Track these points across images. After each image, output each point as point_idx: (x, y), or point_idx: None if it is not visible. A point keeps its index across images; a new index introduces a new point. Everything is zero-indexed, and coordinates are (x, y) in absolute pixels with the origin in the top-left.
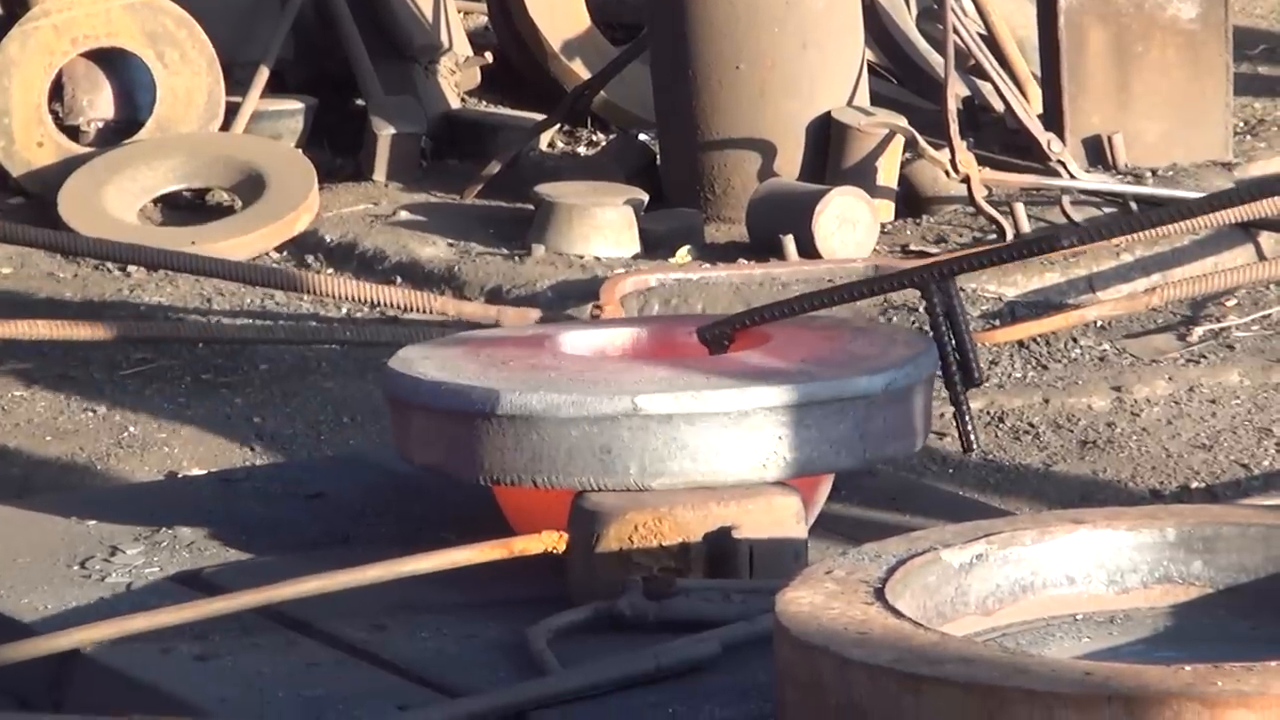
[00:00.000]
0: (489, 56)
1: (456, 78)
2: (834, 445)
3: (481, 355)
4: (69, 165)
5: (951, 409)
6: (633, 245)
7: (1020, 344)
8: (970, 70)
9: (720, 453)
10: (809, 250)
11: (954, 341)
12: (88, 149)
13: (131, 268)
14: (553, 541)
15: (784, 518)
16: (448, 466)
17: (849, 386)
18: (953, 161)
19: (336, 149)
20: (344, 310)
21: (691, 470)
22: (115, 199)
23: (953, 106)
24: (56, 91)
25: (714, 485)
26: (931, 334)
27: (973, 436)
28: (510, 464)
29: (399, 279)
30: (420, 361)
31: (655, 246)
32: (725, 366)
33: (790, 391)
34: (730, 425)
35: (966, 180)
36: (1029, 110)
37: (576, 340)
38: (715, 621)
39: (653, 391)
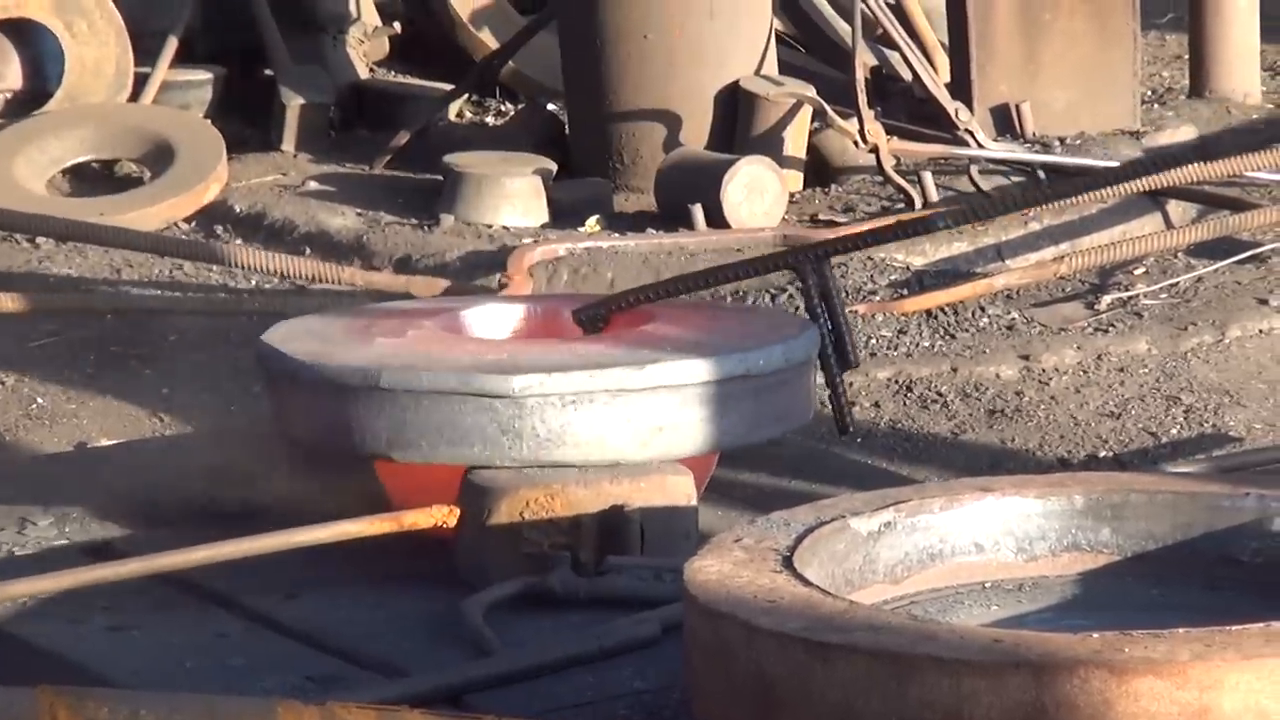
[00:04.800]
0: (397, 26)
1: (365, 48)
2: (714, 424)
3: (364, 332)
4: None
5: (855, 384)
6: (541, 215)
7: (928, 313)
8: (878, 39)
9: (596, 434)
10: (717, 220)
11: (830, 324)
12: None
13: (40, 239)
14: (443, 516)
15: (675, 496)
16: (328, 443)
17: (730, 365)
18: (861, 131)
19: (245, 119)
20: (253, 281)
21: (574, 452)
22: (24, 170)
23: (861, 76)
24: None
25: (595, 464)
26: (808, 316)
27: (849, 418)
28: (392, 440)
29: (308, 249)
30: (299, 338)
31: (564, 216)
32: (606, 347)
33: (669, 371)
34: (609, 406)
35: (875, 150)
36: (937, 79)
37: (464, 317)
38: (646, 599)
39: (535, 371)
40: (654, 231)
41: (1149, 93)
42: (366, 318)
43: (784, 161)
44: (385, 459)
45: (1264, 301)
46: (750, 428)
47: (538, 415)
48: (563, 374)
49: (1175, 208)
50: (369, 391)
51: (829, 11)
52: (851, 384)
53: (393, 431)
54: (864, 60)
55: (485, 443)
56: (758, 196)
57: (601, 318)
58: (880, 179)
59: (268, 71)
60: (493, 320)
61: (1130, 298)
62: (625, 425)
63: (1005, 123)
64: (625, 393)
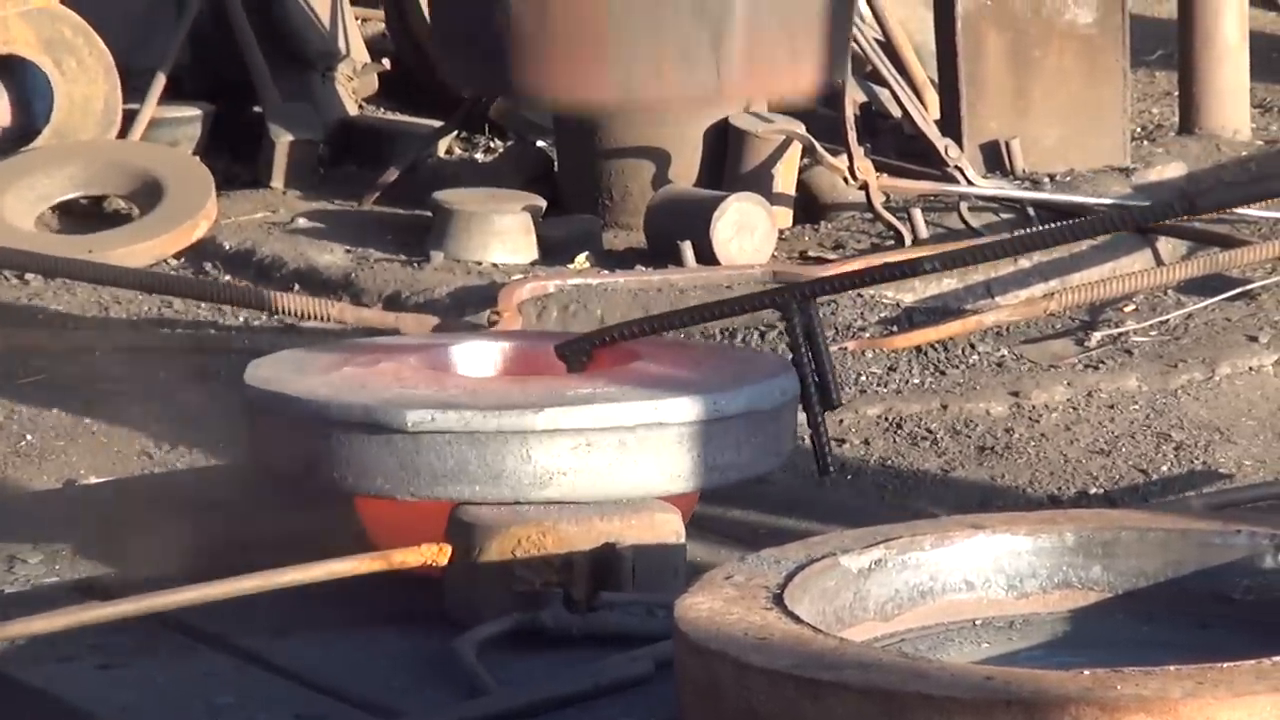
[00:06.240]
0: (386, 63)
1: (354, 84)
2: (625, 470)
3: (340, 364)
4: None
5: (845, 421)
6: (531, 252)
7: (918, 349)
8: (868, 76)
9: (491, 472)
10: (707, 256)
11: (813, 364)
12: None
13: (29, 276)
14: (433, 554)
15: (665, 533)
16: (270, 468)
17: (638, 413)
18: (851, 168)
19: (234, 156)
20: (242, 318)
21: (468, 490)
22: (12, 207)
23: (850, 113)
24: None
25: (493, 503)
26: (791, 356)
27: (829, 459)
28: (310, 469)
29: (297, 286)
30: (277, 366)
31: (553, 253)
32: (591, 385)
33: (566, 416)
34: (504, 445)
35: (865, 186)
36: (926, 116)
37: (447, 353)
38: (638, 635)
39: (428, 407)
40: (643, 268)
41: (1139, 129)
42: (352, 351)
43: (773, 198)
44: (308, 488)
45: (1254, 338)
46: (674, 476)
47: (433, 451)
48: (455, 411)
49: (1165, 244)
50: (291, 421)
51: None
52: (841, 421)
53: (310, 461)
54: (853, 97)
55: (386, 476)
56: (747, 233)
57: (584, 352)
58: (870, 216)
59: (256, 108)
60: (478, 357)
61: (1120, 334)
62: (522, 464)
63: (995, 159)
64: (521, 434)
